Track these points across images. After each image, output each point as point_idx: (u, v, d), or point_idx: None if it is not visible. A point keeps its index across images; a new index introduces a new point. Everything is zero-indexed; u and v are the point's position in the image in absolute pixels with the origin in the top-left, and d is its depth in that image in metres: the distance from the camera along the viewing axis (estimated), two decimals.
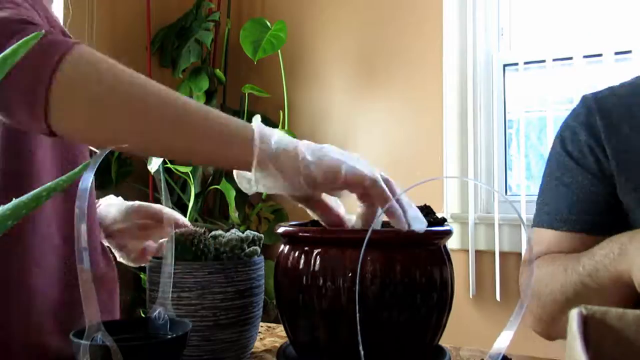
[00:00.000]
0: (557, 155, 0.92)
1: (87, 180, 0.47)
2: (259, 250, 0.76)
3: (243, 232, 0.76)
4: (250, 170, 0.60)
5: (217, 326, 0.69)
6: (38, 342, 0.74)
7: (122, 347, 0.51)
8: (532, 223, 0.94)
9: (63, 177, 0.25)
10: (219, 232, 0.76)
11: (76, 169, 0.26)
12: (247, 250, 0.74)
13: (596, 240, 0.82)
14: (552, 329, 0.85)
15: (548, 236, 0.89)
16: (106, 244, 0.89)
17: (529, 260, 0.91)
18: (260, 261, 0.75)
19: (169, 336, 0.60)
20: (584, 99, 0.93)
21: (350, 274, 0.60)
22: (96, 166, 0.50)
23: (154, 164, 1.77)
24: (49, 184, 0.24)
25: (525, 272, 0.90)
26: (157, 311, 0.61)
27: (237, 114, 2.19)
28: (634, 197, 0.83)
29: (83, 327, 0.51)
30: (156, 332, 0.62)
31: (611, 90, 0.92)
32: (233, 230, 0.76)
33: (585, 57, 1.73)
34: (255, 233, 0.77)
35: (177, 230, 0.73)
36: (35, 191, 0.24)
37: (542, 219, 0.91)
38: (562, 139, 0.92)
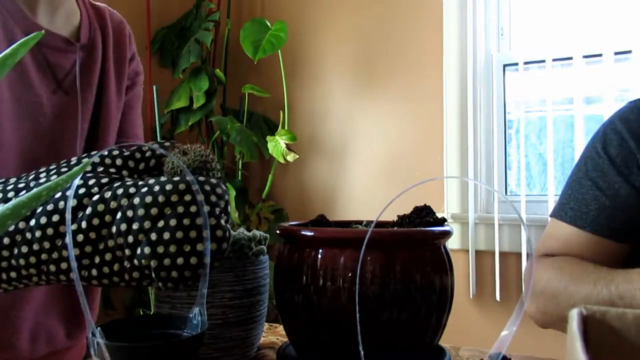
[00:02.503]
0: (596, 155, 0.87)
1: (75, 181, 0.48)
2: (265, 249, 0.76)
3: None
4: None
5: (226, 324, 0.70)
6: None
7: (140, 347, 0.51)
8: (552, 213, 0.91)
9: (63, 177, 0.25)
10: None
11: (76, 168, 0.26)
12: (254, 250, 0.74)
13: (620, 247, 0.82)
14: (553, 325, 0.84)
15: (568, 233, 0.87)
16: None
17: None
18: (265, 260, 0.76)
19: (187, 335, 0.60)
20: (633, 104, 0.88)
21: (350, 274, 0.60)
22: (80, 174, 0.50)
23: None
24: (48, 183, 0.24)
25: (535, 268, 0.88)
26: (194, 312, 0.61)
27: (237, 114, 2.19)
28: None
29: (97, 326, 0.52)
30: (174, 329, 0.62)
31: None
32: (241, 230, 0.77)
33: (585, 57, 1.73)
34: (262, 233, 0.77)
35: None
36: (34, 191, 0.24)
37: (566, 213, 0.87)
38: (606, 140, 0.87)
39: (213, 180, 0.57)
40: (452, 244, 1.85)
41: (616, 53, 1.66)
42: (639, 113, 0.86)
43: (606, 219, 0.84)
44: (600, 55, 1.69)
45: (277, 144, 1.93)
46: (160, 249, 0.52)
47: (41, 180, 0.59)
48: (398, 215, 0.71)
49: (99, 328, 0.52)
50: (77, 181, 0.48)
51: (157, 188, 0.54)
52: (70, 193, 0.47)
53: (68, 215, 0.47)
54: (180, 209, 0.53)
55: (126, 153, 0.61)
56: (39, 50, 0.81)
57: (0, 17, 0.77)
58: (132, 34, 0.99)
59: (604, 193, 0.85)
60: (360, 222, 0.76)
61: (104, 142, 0.90)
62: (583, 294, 0.77)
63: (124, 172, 0.60)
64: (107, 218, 0.53)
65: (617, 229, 0.84)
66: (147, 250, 0.52)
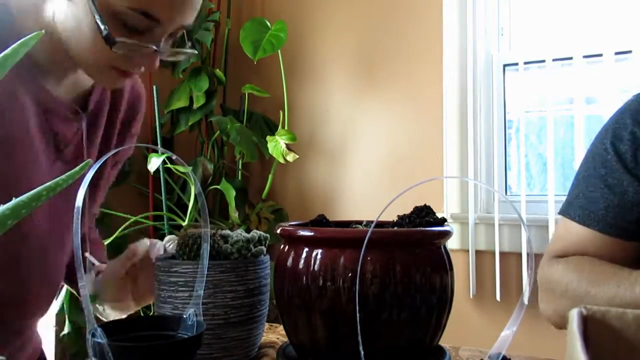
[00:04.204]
0: (604, 151, 0.86)
1: (83, 187, 0.48)
2: (264, 249, 0.77)
3: (248, 233, 0.77)
4: None
5: (228, 324, 0.70)
6: None
7: (139, 347, 0.51)
8: (561, 210, 0.90)
9: (63, 177, 0.25)
10: (226, 232, 0.77)
11: (76, 168, 0.26)
12: (253, 251, 0.75)
13: (631, 245, 0.82)
14: None
15: (579, 232, 0.86)
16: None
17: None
18: (267, 260, 0.76)
19: (185, 336, 0.60)
20: None
21: (350, 274, 0.60)
22: (91, 175, 0.50)
23: (153, 164, 1.77)
24: (48, 183, 0.24)
25: (546, 267, 0.87)
26: (190, 312, 0.61)
27: (237, 114, 2.19)
28: None
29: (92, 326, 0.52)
30: (170, 331, 0.62)
31: None
32: (239, 231, 0.77)
33: (585, 57, 1.73)
34: (262, 233, 0.77)
35: (188, 230, 0.74)
36: (35, 190, 0.24)
37: (575, 212, 0.87)
38: (615, 135, 0.85)
39: None
40: (452, 244, 1.85)
41: (616, 53, 1.66)
42: None
43: (614, 217, 0.83)
44: (600, 55, 1.69)
45: (277, 144, 1.93)
46: None
47: None
48: (398, 215, 0.71)
49: (99, 328, 0.52)
50: (88, 178, 0.48)
51: None
52: (80, 192, 0.47)
53: (77, 216, 0.47)
54: None
55: None
56: (45, 117, 0.75)
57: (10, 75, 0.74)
58: (143, 111, 0.95)
59: (611, 190, 0.84)
60: (360, 222, 0.76)
61: (90, 213, 0.92)
62: (606, 297, 0.76)
63: None
64: None
65: (626, 228, 0.83)
66: None
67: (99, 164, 0.51)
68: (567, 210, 0.89)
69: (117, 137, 0.90)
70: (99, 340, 0.51)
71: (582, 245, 0.86)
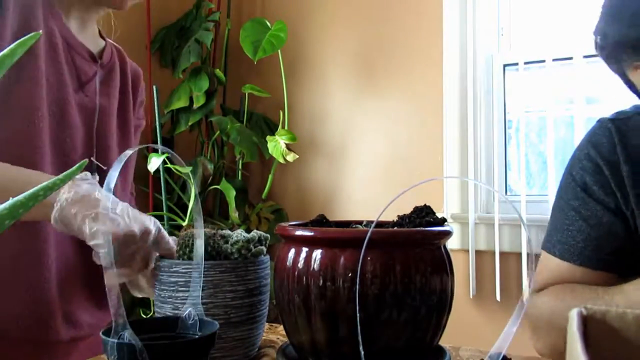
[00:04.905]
0: (574, 183, 0.86)
1: (113, 179, 0.49)
2: (264, 250, 0.77)
3: (248, 233, 0.77)
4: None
5: (229, 324, 0.70)
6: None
7: (150, 346, 0.52)
8: (542, 245, 0.90)
9: (60, 177, 0.25)
10: (226, 232, 0.76)
11: (73, 168, 0.26)
12: (253, 251, 0.74)
13: (609, 277, 0.80)
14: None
15: (560, 266, 0.85)
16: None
17: (529, 278, 0.88)
18: (267, 260, 0.76)
19: (197, 335, 0.60)
20: (603, 126, 0.85)
21: (350, 274, 0.60)
22: (121, 165, 0.50)
23: (153, 164, 1.77)
24: (45, 182, 0.24)
25: (534, 304, 0.86)
26: (187, 311, 0.61)
27: (237, 114, 2.19)
28: None
29: (111, 326, 0.52)
30: (186, 331, 0.62)
31: (636, 113, 0.83)
32: (239, 231, 0.77)
33: (585, 57, 1.72)
34: (262, 233, 0.77)
35: (188, 230, 0.74)
36: (32, 190, 0.24)
37: (554, 246, 0.86)
38: (581, 167, 0.85)
39: None
40: (452, 244, 1.85)
41: None
42: (608, 135, 0.84)
43: (593, 250, 0.82)
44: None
45: (277, 144, 1.93)
46: None
47: None
48: (398, 215, 0.71)
49: (127, 328, 0.52)
50: (115, 175, 0.49)
51: None
52: (107, 190, 0.47)
53: (106, 209, 0.47)
54: None
55: None
56: (69, 52, 0.88)
57: (43, 12, 0.84)
58: (143, 87, 1.08)
59: (587, 223, 0.83)
60: (360, 222, 0.76)
61: (105, 162, 0.95)
62: None
63: None
64: None
65: (606, 260, 0.82)
66: None
67: (123, 160, 0.51)
68: (546, 245, 0.89)
69: (126, 98, 1.00)
70: (106, 339, 0.51)
71: (564, 278, 0.84)
